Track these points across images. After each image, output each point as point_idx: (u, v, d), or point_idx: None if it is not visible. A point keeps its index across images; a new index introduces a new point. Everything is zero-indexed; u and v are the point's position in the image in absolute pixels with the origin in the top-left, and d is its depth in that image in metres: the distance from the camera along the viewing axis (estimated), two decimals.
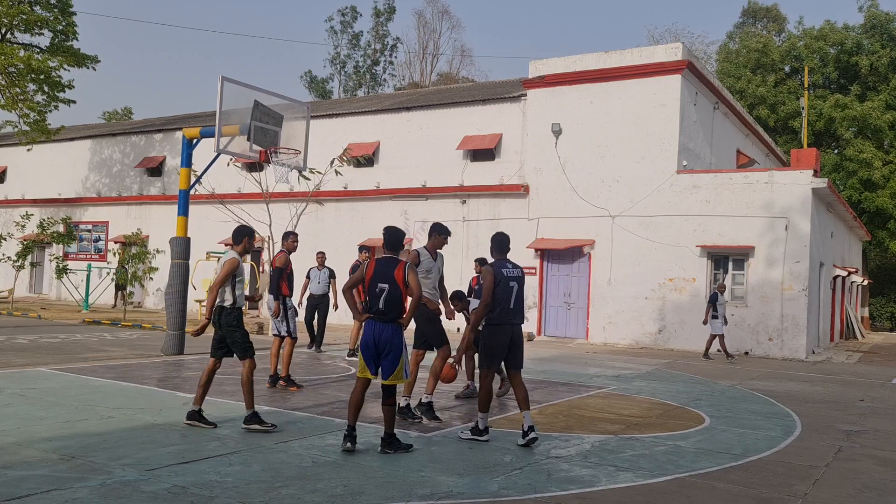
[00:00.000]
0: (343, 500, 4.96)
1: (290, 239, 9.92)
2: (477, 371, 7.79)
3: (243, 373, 7.04)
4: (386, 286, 6.30)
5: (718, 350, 16.61)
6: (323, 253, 14.79)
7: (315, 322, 14.21)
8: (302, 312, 14.03)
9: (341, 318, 22.79)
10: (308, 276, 14.23)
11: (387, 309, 6.31)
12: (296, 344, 9.86)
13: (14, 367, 10.34)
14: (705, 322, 16.46)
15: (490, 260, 7.22)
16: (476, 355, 8.09)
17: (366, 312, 6.41)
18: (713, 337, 16.41)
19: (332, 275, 14.30)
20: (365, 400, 6.46)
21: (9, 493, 4.75)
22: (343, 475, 5.54)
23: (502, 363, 7.08)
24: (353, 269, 13.72)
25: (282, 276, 9.67)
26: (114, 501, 4.70)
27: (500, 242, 7.14)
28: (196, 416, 6.99)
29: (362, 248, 13.97)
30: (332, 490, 5.15)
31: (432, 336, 8.02)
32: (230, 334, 7.12)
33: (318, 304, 14.08)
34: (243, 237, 7.36)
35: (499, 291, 6.81)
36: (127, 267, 23.83)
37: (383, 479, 5.49)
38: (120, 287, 24.30)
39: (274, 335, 9.87)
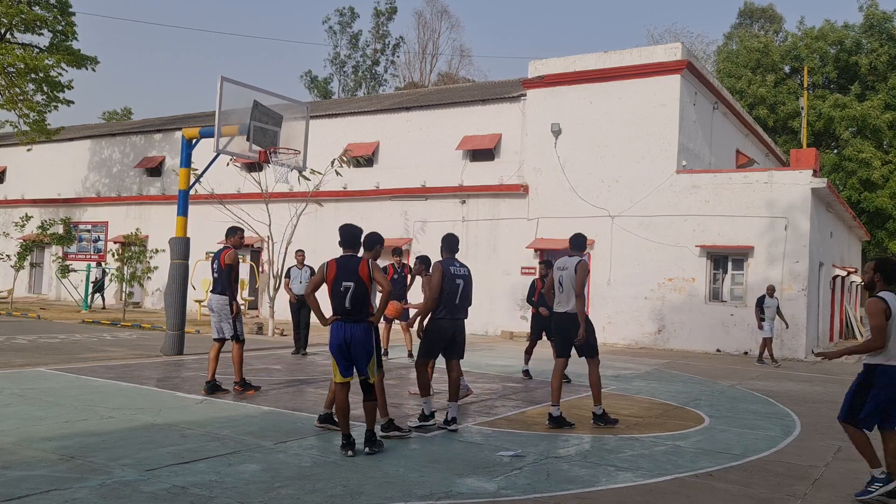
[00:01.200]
0: (342, 500, 4.96)
1: (238, 235, 9.39)
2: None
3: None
4: (351, 284, 6.13)
5: (762, 357, 16.09)
6: (302, 251, 14.72)
7: (300, 323, 14.14)
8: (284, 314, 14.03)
9: (287, 314, 22.67)
10: (288, 276, 14.19)
11: (354, 308, 6.15)
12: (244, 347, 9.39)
13: (13, 367, 10.34)
14: (760, 327, 16.00)
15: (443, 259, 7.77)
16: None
17: (333, 314, 6.25)
18: (765, 340, 15.94)
19: (313, 273, 14.24)
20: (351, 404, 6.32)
21: (8, 493, 4.75)
22: (342, 475, 5.54)
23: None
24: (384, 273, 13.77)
25: (231, 274, 9.13)
26: (113, 502, 4.69)
27: (451, 242, 7.71)
28: (328, 419, 7.14)
29: (396, 250, 14.10)
30: (331, 490, 5.15)
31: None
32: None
33: (303, 305, 14.05)
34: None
35: (445, 287, 7.35)
36: (104, 266, 23.95)
37: (382, 479, 5.49)
38: (98, 289, 24.33)
39: (216, 339, 9.16)
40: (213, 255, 9.48)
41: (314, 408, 8.26)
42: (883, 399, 5.56)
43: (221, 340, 9.16)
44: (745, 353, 17.79)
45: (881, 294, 5.70)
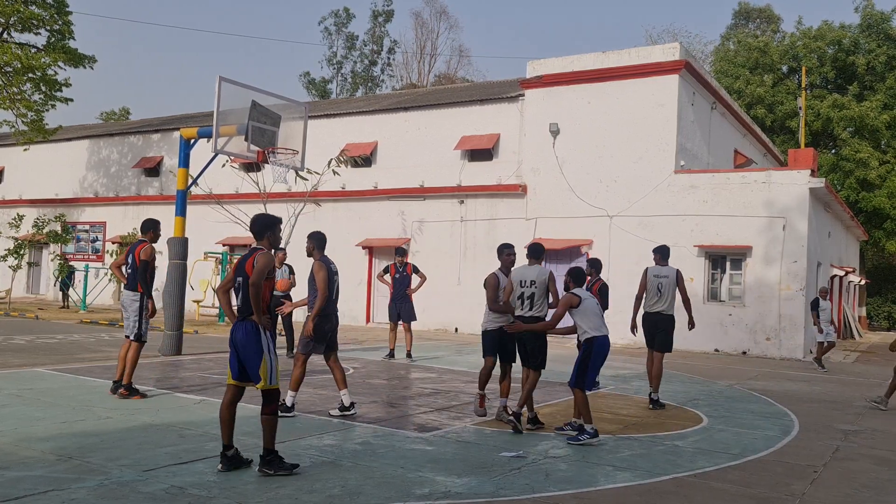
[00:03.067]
0: (341, 500, 4.95)
1: (154, 229, 8.96)
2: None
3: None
4: (240, 279, 5.70)
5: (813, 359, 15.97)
6: (283, 250, 14.74)
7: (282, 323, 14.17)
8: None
9: (296, 315, 22.66)
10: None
11: (242, 305, 5.68)
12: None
13: (11, 367, 10.32)
14: (820, 330, 15.75)
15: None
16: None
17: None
18: (821, 344, 15.75)
19: (292, 271, 14.31)
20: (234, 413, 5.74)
21: (6, 493, 4.75)
22: (341, 475, 5.54)
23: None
24: (385, 273, 13.83)
25: (147, 271, 8.72)
26: (111, 502, 4.69)
27: (322, 241, 8.07)
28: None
29: (399, 250, 14.02)
30: (329, 490, 5.15)
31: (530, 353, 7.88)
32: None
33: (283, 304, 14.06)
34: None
35: (331, 285, 7.80)
36: (69, 263, 23.87)
37: (381, 479, 5.48)
38: (63, 286, 24.20)
39: (129, 336, 8.67)
40: (128, 248, 9.01)
41: (312, 408, 8.26)
42: (599, 365, 7.26)
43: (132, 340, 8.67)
44: (744, 352, 17.81)
45: None
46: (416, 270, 13.68)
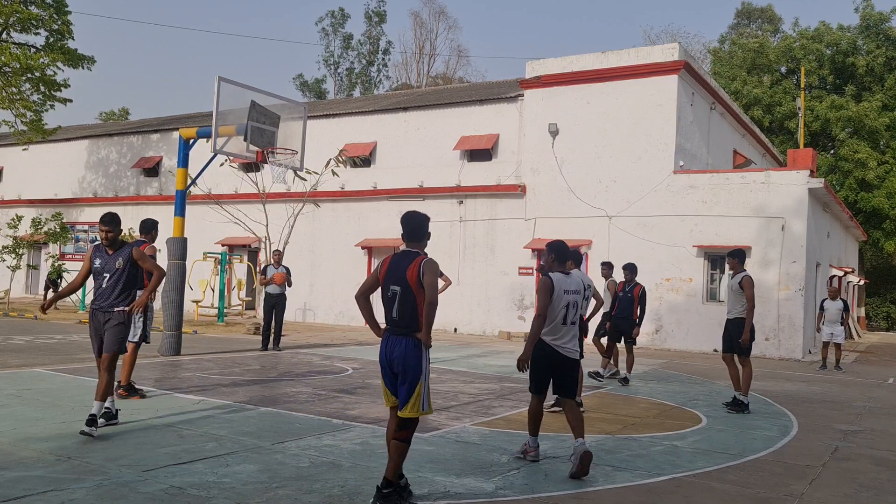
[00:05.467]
0: (340, 500, 4.95)
1: (155, 230, 8.90)
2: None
3: None
4: (398, 289, 4.95)
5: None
6: (279, 251, 14.99)
7: (273, 321, 14.26)
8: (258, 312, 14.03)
9: (296, 315, 22.91)
10: (264, 274, 14.45)
11: (400, 318, 4.96)
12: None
13: (10, 367, 10.32)
14: (818, 330, 15.85)
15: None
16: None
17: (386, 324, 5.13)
18: (825, 345, 15.81)
19: (288, 272, 14.42)
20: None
21: (5, 494, 4.74)
22: (340, 476, 5.53)
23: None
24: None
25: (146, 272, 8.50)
26: (110, 502, 4.68)
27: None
28: None
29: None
30: (329, 491, 5.15)
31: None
32: None
33: (276, 303, 14.18)
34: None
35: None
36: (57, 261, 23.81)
37: (380, 479, 5.47)
38: (52, 282, 24.11)
39: (132, 340, 8.41)
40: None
41: (312, 408, 8.26)
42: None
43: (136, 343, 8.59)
44: None
45: None
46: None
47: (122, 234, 8.07)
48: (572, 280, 6.23)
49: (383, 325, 5.17)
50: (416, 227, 5.12)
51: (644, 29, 74.90)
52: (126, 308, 6.66)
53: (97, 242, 6.78)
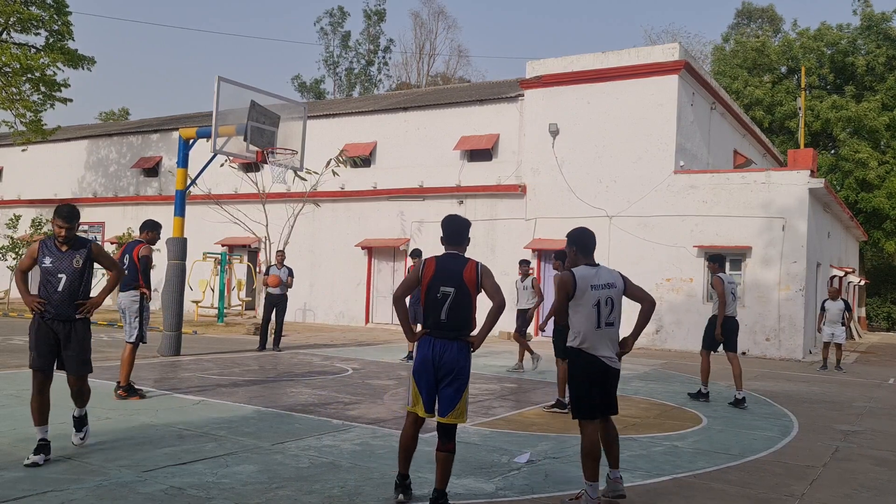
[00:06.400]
0: (340, 501, 4.94)
1: (158, 230, 8.88)
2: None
3: None
4: (451, 290, 4.78)
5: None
6: (282, 251, 15.09)
7: (273, 321, 14.33)
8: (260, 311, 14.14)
9: (296, 315, 22.95)
10: (267, 274, 14.56)
11: (451, 321, 4.78)
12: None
13: (10, 368, 10.31)
14: (819, 330, 15.86)
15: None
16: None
17: (423, 326, 4.94)
18: (826, 345, 15.83)
19: (290, 273, 14.45)
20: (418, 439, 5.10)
21: (5, 494, 4.73)
22: (340, 476, 5.53)
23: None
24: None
25: (149, 266, 8.65)
26: (110, 503, 4.68)
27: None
28: None
29: (416, 252, 13.89)
30: (328, 491, 5.14)
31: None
32: None
33: (277, 303, 14.21)
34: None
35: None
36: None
37: (380, 479, 5.47)
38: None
39: (129, 341, 8.50)
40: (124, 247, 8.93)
41: (312, 408, 8.25)
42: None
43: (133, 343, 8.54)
44: (743, 353, 17.77)
45: None
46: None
47: (122, 234, 8.08)
48: (601, 273, 5.21)
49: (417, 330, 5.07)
50: (457, 230, 5.06)
51: (644, 29, 75.01)
52: (81, 315, 5.78)
53: (45, 238, 5.81)
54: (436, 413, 4.82)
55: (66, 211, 5.68)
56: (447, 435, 4.81)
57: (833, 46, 34.92)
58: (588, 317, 5.09)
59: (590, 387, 5.11)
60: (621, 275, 5.30)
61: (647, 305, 5.26)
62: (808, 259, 17.74)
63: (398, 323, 22.01)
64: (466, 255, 5.11)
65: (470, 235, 5.20)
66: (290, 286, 14.61)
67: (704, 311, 18.22)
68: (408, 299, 5.65)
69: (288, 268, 14.58)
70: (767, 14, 45.54)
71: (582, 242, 5.32)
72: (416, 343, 4.93)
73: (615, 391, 5.29)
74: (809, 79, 34.79)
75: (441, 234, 5.11)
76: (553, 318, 8.85)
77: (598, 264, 5.29)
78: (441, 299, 4.79)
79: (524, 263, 13.12)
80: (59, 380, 6.03)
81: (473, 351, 4.90)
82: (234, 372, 11.12)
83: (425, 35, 56.20)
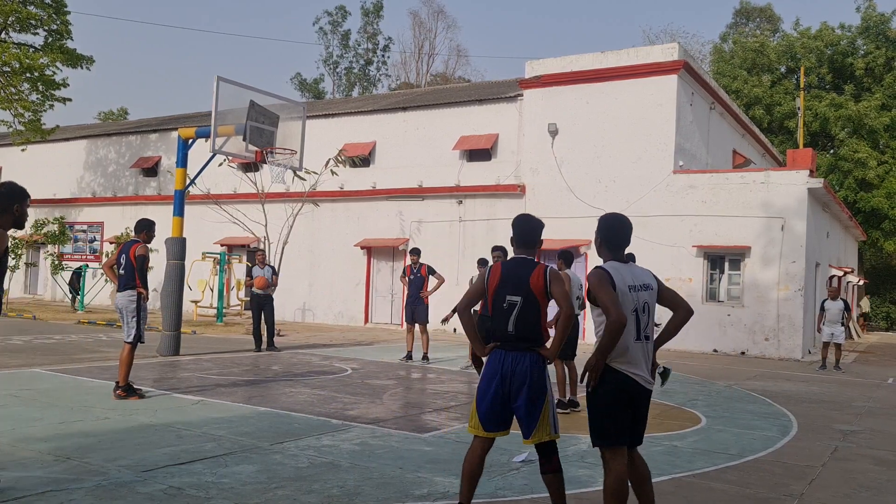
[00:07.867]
0: (339, 501, 4.94)
1: (153, 228, 8.85)
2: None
3: None
4: (518, 299, 4.32)
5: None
6: (263, 251, 15.13)
7: (262, 322, 14.29)
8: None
9: (295, 315, 22.97)
10: (250, 276, 14.58)
11: (519, 332, 4.32)
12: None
13: (9, 368, 10.30)
14: (818, 330, 15.88)
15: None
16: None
17: (493, 339, 4.44)
18: (825, 345, 15.82)
19: (274, 272, 14.44)
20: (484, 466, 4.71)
21: (4, 494, 4.73)
22: (340, 476, 5.52)
23: None
24: (404, 274, 13.73)
25: (146, 265, 8.60)
26: (109, 503, 4.67)
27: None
28: None
29: (415, 251, 13.80)
30: (328, 491, 5.14)
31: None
32: None
33: (264, 304, 14.16)
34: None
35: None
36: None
37: (380, 479, 5.47)
38: (74, 289, 24.02)
39: (128, 341, 8.47)
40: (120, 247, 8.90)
41: (311, 408, 8.24)
42: None
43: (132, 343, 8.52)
44: (742, 353, 17.80)
45: None
46: (431, 272, 13.36)
47: (120, 234, 8.06)
48: (636, 272, 4.33)
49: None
50: (529, 231, 4.55)
51: (643, 29, 74.91)
52: None
53: None
54: (521, 436, 4.46)
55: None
56: (544, 454, 4.39)
57: (833, 46, 34.93)
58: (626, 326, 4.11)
59: (622, 410, 4.20)
60: (654, 275, 4.53)
61: (683, 314, 4.50)
62: (807, 259, 17.75)
63: (398, 322, 22.05)
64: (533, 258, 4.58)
65: (539, 238, 4.65)
66: (276, 285, 14.64)
67: (704, 311, 18.28)
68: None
69: (271, 266, 14.60)
70: (765, 13, 45.57)
71: (608, 233, 4.36)
72: (485, 357, 4.50)
73: (646, 417, 4.42)
74: (808, 78, 34.79)
75: (511, 235, 4.60)
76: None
77: (629, 261, 4.44)
78: (507, 309, 4.34)
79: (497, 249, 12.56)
80: (59, 380, 6.00)
81: (549, 363, 4.42)
82: (234, 372, 11.12)
83: (424, 35, 56.23)
